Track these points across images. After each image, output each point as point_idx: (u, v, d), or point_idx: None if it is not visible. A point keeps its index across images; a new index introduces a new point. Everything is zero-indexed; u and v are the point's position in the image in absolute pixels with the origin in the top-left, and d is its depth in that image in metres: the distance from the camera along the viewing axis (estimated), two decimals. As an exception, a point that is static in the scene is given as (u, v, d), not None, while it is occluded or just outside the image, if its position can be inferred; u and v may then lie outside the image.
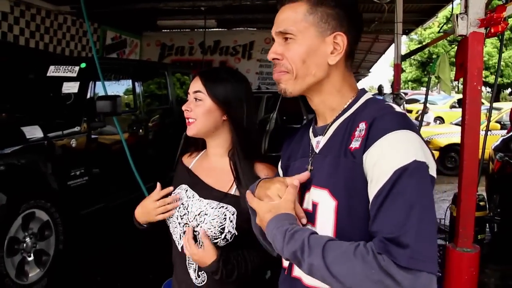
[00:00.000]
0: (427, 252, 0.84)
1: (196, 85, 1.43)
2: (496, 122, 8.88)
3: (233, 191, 1.41)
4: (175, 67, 7.70)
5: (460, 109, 2.26)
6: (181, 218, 1.42)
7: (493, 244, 4.59)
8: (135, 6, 7.61)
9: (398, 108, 1.00)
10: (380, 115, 0.97)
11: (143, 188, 3.55)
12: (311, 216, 1.05)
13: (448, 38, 7.72)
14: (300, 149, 1.19)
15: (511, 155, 4.74)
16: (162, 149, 5.62)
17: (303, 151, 1.16)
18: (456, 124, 9.74)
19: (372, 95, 1.12)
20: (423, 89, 25.86)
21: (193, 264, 1.41)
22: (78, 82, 4.24)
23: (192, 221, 1.39)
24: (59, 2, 7.59)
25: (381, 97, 5.98)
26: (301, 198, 1.09)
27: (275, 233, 0.96)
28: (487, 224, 4.45)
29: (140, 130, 5.20)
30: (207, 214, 1.38)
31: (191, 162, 1.56)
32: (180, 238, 1.43)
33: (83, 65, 4.34)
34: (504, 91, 27.49)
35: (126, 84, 5.06)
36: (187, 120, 1.45)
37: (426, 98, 4.52)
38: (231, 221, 1.36)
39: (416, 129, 0.96)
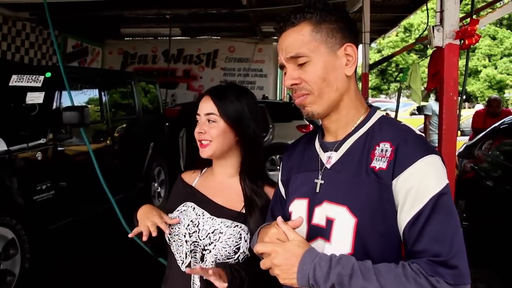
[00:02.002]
0: (467, 267, 0.95)
1: (208, 106, 1.41)
2: (456, 128, 9.17)
3: (245, 210, 1.39)
4: (140, 76, 7.57)
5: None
6: (190, 236, 1.37)
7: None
8: (98, 13, 7.45)
9: (416, 130, 1.05)
10: (405, 139, 1.02)
11: (112, 200, 3.44)
12: (324, 232, 1.06)
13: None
14: (303, 162, 1.19)
15: (475, 161, 4.91)
16: (130, 159, 5.50)
17: (308, 165, 1.17)
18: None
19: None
20: (383, 97, 26.55)
21: (197, 284, 1.37)
22: (43, 92, 4.07)
23: (203, 239, 1.35)
24: (17, 8, 7.32)
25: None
26: (309, 213, 1.10)
27: (318, 260, 0.96)
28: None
29: (108, 141, 5.06)
30: (222, 233, 1.34)
31: (193, 179, 1.53)
32: (186, 256, 1.38)
33: (48, 74, 4.18)
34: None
35: (93, 93, 4.91)
36: (199, 143, 1.42)
37: (397, 107, 4.62)
38: (245, 241, 1.34)
39: (434, 148, 1.04)
